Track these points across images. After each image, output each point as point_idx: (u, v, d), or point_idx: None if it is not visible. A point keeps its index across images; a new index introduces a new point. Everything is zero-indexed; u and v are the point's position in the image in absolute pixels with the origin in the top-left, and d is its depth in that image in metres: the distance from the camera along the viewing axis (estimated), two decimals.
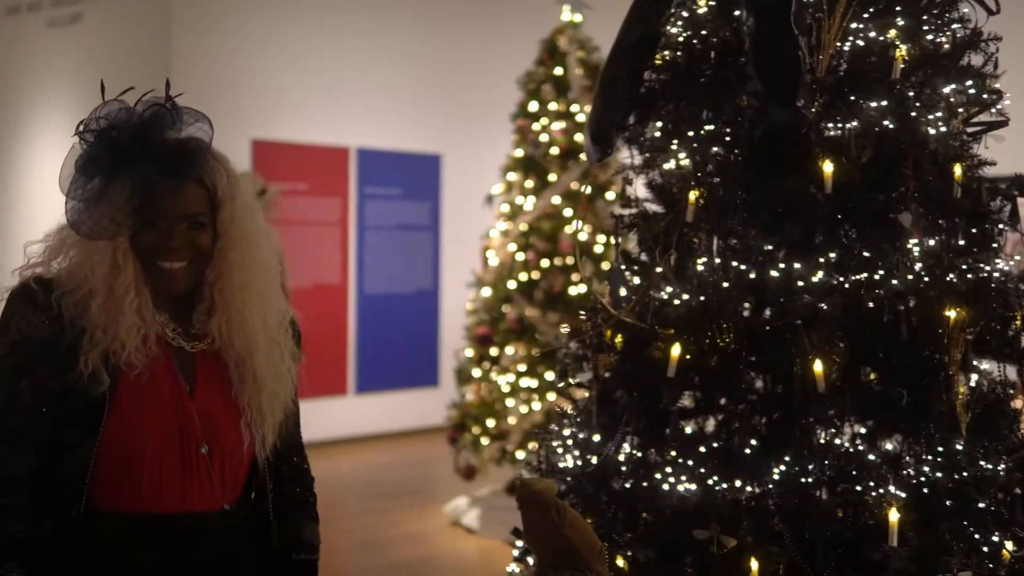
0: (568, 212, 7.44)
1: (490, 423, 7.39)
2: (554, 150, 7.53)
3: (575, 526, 2.47)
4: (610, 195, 7.24)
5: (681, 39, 3.13)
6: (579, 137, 7.49)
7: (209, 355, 2.25)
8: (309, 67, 9.76)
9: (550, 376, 7.21)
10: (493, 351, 7.48)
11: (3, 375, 2.12)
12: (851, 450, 2.82)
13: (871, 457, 2.80)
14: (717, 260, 2.92)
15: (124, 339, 2.12)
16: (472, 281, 7.75)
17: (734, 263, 2.91)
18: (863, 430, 2.88)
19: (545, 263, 7.40)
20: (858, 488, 2.76)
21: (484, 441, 7.43)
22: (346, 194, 10.16)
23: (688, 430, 3.02)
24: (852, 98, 2.96)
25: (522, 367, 7.34)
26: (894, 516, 2.70)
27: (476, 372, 7.53)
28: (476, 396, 7.51)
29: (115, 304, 2.12)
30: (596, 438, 3.05)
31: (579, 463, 3.07)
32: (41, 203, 10.20)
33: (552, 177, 7.50)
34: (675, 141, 3.08)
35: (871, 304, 2.86)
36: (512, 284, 7.44)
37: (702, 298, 2.91)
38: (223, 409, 2.24)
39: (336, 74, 9.96)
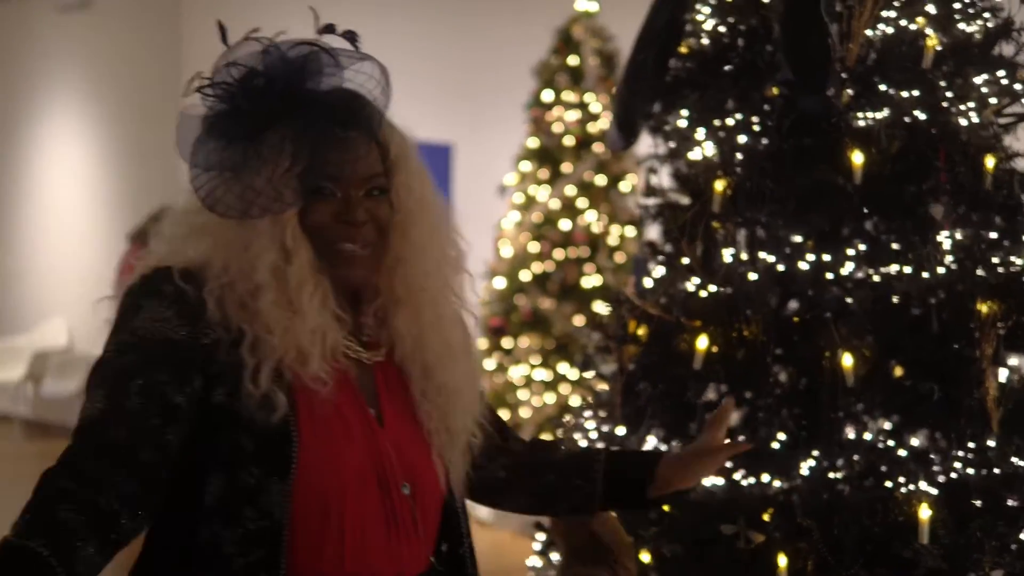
0: (583, 203, 7.40)
1: (503, 415, 7.35)
2: (568, 140, 7.48)
3: (604, 521, 2.43)
4: (624, 186, 7.20)
5: (708, 27, 3.08)
6: (593, 127, 7.45)
7: (387, 368, 1.73)
8: None
9: (564, 368, 7.18)
10: (506, 342, 7.44)
11: (105, 382, 1.54)
12: (880, 445, 2.78)
13: (901, 453, 2.76)
14: (744, 251, 2.88)
15: (307, 347, 1.58)
16: (485, 272, 7.71)
17: (761, 254, 2.86)
18: (892, 425, 2.84)
19: (559, 254, 7.36)
20: (888, 484, 2.72)
21: None
22: None
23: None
24: (882, 88, 2.91)
25: (536, 359, 7.30)
26: (925, 513, 2.65)
27: (489, 364, 7.49)
28: (489, 388, 7.47)
29: (289, 301, 1.59)
30: (620, 431, 3.01)
31: None
32: (50, 188, 10.18)
33: (566, 167, 7.45)
34: (701, 130, 3.03)
35: (901, 297, 2.82)
36: (526, 275, 7.40)
37: (729, 290, 2.87)
38: (413, 436, 1.72)
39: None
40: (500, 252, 7.59)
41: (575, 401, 6.21)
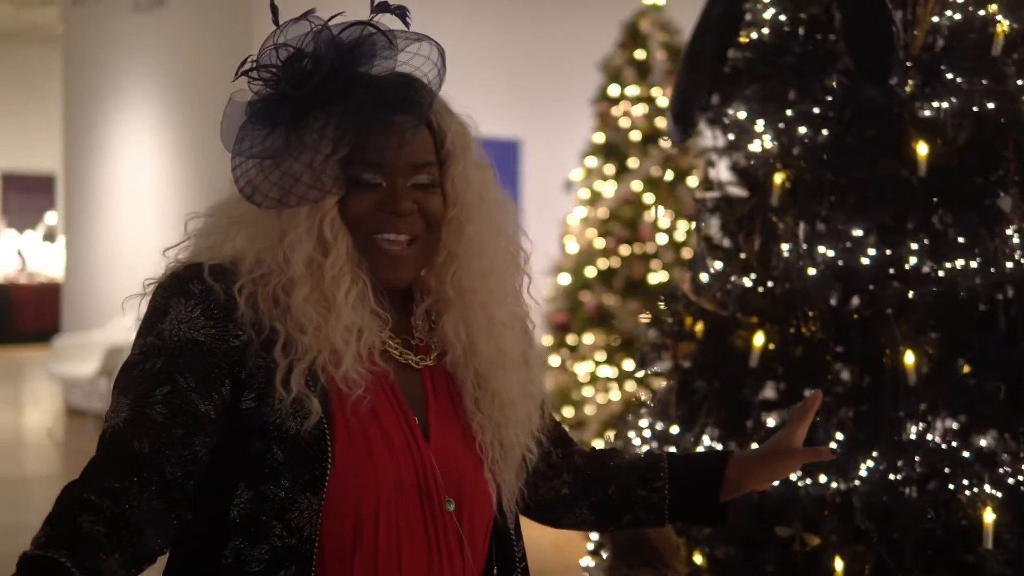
0: (649, 198, 7.32)
1: (567, 412, 7.31)
2: (635, 135, 7.40)
3: None
4: (692, 181, 7.10)
5: (768, 16, 3.00)
6: (659, 121, 7.36)
7: (437, 373, 1.60)
8: None
9: (629, 365, 7.10)
10: (571, 339, 7.39)
11: (129, 388, 1.43)
12: (943, 446, 2.68)
13: (965, 454, 2.66)
14: (803, 246, 2.80)
15: (340, 346, 1.46)
16: (550, 268, 7.66)
17: (821, 249, 2.78)
18: (956, 425, 2.74)
19: (625, 250, 7.29)
20: (950, 486, 2.63)
21: None
22: None
23: (771, 423, 2.90)
24: (949, 76, 2.81)
25: (600, 356, 7.24)
26: (989, 517, 2.56)
27: (554, 360, 7.44)
28: (553, 385, 7.42)
29: (323, 296, 1.47)
30: (675, 429, 2.94)
31: None
32: (124, 184, 10.32)
33: (632, 162, 7.38)
34: (760, 122, 2.95)
35: (967, 293, 2.72)
36: (591, 271, 7.34)
37: (787, 285, 2.79)
38: (463, 448, 1.58)
39: None
40: (565, 248, 7.53)
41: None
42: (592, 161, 7.57)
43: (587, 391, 7.27)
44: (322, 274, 1.47)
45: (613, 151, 7.43)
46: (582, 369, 7.29)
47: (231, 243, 1.50)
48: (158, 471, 1.37)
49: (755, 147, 2.97)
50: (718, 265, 2.99)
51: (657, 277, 7.16)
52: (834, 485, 2.68)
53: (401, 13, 1.54)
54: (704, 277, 2.96)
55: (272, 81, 1.48)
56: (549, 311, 7.56)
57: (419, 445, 1.52)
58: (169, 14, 9.94)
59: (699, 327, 2.96)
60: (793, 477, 2.71)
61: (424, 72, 1.53)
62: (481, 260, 1.56)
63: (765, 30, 3.00)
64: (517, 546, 1.64)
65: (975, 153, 2.79)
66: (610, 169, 7.44)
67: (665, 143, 7.33)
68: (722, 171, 3.11)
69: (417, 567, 1.49)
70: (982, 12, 2.84)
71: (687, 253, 7.11)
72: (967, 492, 2.61)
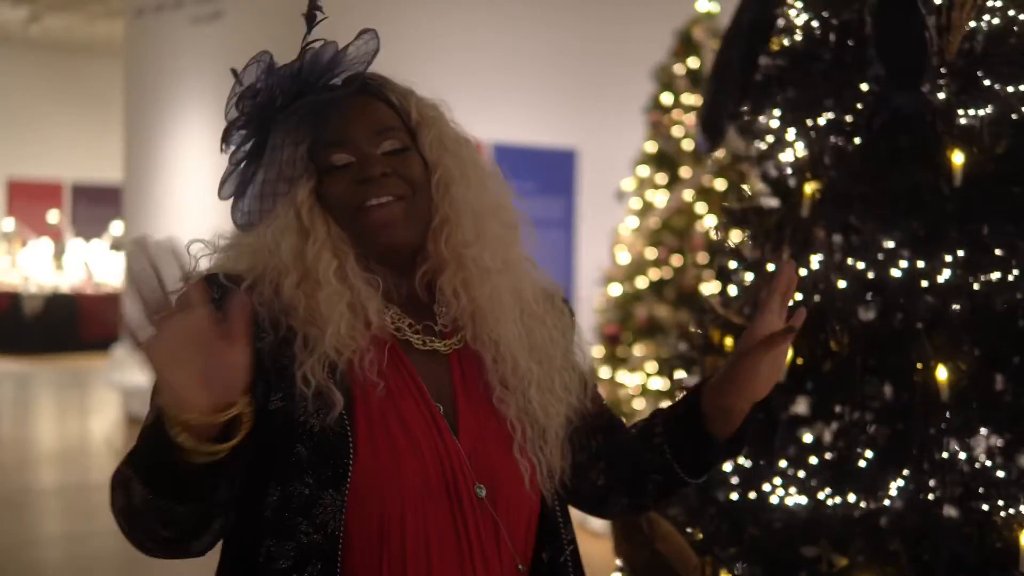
0: (701, 208, 7.22)
1: None
2: (687, 144, 7.31)
3: (668, 539, 2.32)
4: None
5: (800, 22, 2.92)
6: None
7: (466, 356, 1.61)
8: (444, 63, 9.73)
9: (680, 377, 7.00)
10: (621, 351, 7.31)
11: (158, 394, 1.41)
12: (977, 465, 2.59)
13: (1000, 474, 2.56)
14: (834, 257, 2.72)
15: (325, 311, 1.50)
16: (601, 278, 7.59)
17: (851, 261, 2.70)
18: (991, 444, 2.64)
19: (676, 260, 7.20)
20: (985, 507, 2.53)
21: None
22: None
23: (808, 438, 2.82)
24: (987, 83, 2.72)
25: (651, 367, 7.15)
26: None
27: (604, 372, 7.37)
28: (605, 396, 7.35)
29: (310, 278, 1.53)
30: None
31: None
32: (186, 200, 10.42)
33: (685, 172, 7.29)
34: (792, 130, 2.88)
35: (1003, 307, 2.62)
36: (642, 282, 7.26)
37: (817, 298, 2.72)
38: (493, 431, 1.58)
39: (471, 69, 9.91)
40: (617, 258, 7.46)
41: None
42: (644, 171, 7.50)
43: (637, 403, 7.19)
44: (306, 258, 1.54)
45: (665, 160, 7.35)
46: (632, 381, 7.21)
47: (238, 261, 1.57)
48: None
49: (786, 156, 2.90)
50: (747, 277, 2.92)
51: (709, 288, 7.05)
52: (863, 504, 2.59)
53: (312, 17, 1.60)
54: (732, 290, 2.89)
55: (238, 124, 1.58)
56: (600, 322, 7.49)
57: (445, 440, 1.52)
58: (226, 26, 10.03)
59: (728, 340, 2.89)
60: (821, 496, 2.63)
61: (365, 60, 1.63)
62: (469, 217, 1.60)
63: (797, 36, 2.93)
64: (565, 527, 1.62)
65: (1015, 162, 2.70)
66: (662, 179, 7.36)
67: (719, 152, 7.25)
68: (753, 180, 3.04)
69: (448, 558, 1.49)
70: (1022, 16, 2.75)
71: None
72: (1002, 513, 2.51)
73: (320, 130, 1.56)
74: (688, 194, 7.26)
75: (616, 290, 7.36)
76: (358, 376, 1.50)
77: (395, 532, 1.48)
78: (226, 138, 1.59)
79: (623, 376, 7.25)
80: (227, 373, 1.28)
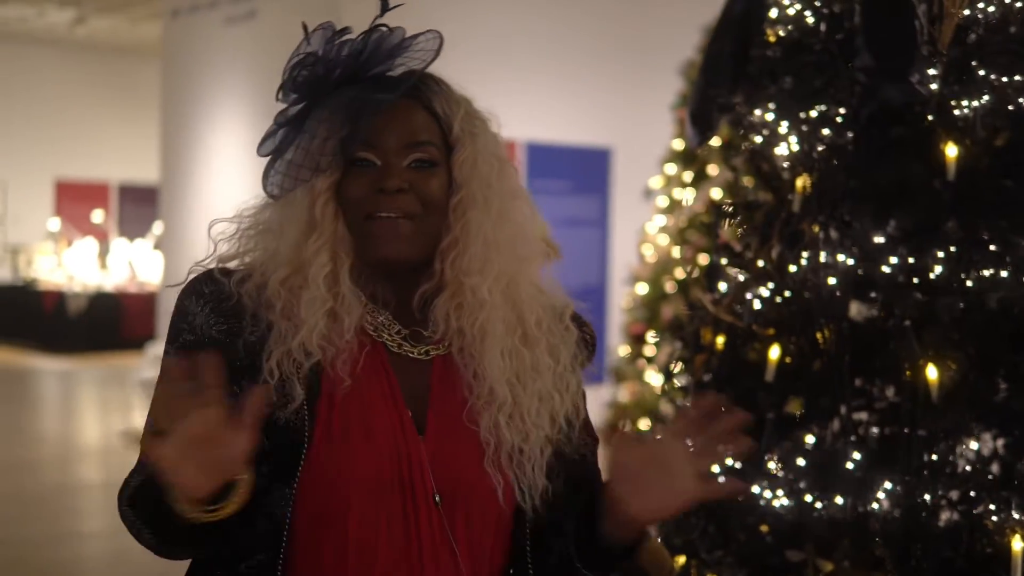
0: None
1: (643, 424, 7.16)
2: (714, 140, 7.22)
3: (646, 551, 2.26)
4: None
5: (792, 11, 2.85)
6: None
7: (450, 364, 1.59)
8: (479, 62, 9.71)
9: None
10: (649, 350, 7.24)
11: (157, 386, 1.49)
12: (969, 468, 2.51)
13: (991, 477, 2.48)
14: (823, 253, 2.65)
15: (303, 316, 1.50)
16: (628, 277, 7.53)
17: (841, 257, 2.63)
18: (977, 446, 2.55)
19: (703, 259, 7.11)
20: (975, 511, 2.45)
21: None
22: None
23: (794, 440, 2.75)
24: (982, 73, 2.63)
25: (678, 367, 7.06)
26: (1018, 545, 2.38)
27: (631, 371, 7.31)
28: (631, 395, 7.28)
29: (301, 276, 1.52)
30: None
31: None
32: (223, 198, 10.49)
33: (712, 169, 7.20)
34: (784, 123, 2.81)
35: (997, 304, 2.54)
36: (668, 281, 7.18)
37: (806, 295, 2.65)
38: (464, 444, 1.55)
39: (505, 68, 9.88)
40: (644, 257, 7.39)
41: None
42: (672, 168, 7.42)
43: (664, 403, 7.12)
44: (302, 253, 1.52)
45: (692, 158, 7.26)
46: (658, 380, 7.14)
47: (246, 244, 1.57)
48: None
49: (779, 150, 2.83)
50: (738, 274, 2.85)
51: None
52: (851, 507, 2.52)
53: (385, 1, 1.57)
54: (722, 286, 2.83)
55: (291, 87, 1.55)
56: (627, 321, 7.43)
57: (407, 438, 1.51)
58: (260, 26, 10.08)
59: (720, 339, 2.83)
60: (808, 498, 2.56)
61: (423, 60, 1.58)
62: (479, 245, 1.56)
63: (790, 27, 2.86)
64: (531, 545, 1.57)
65: (1010, 155, 2.61)
66: (689, 176, 7.28)
67: None
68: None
69: (394, 562, 1.48)
70: (1020, 4, 2.66)
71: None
72: (994, 518, 2.44)
73: (356, 126, 1.51)
74: (716, 192, 7.16)
75: (643, 289, 7.29)
76: (329, 373, 1.50)
77: (338, 525, 1.48)
78: (280, 93, 1.56)
79: (650, 375, 7.18)
80: (232, 459, 1.34)
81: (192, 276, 1.56)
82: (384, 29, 1.55)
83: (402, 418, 1.52)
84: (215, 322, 1.51)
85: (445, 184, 1.55)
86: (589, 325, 1.70)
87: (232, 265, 1.57)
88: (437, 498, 1.50)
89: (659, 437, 1.48)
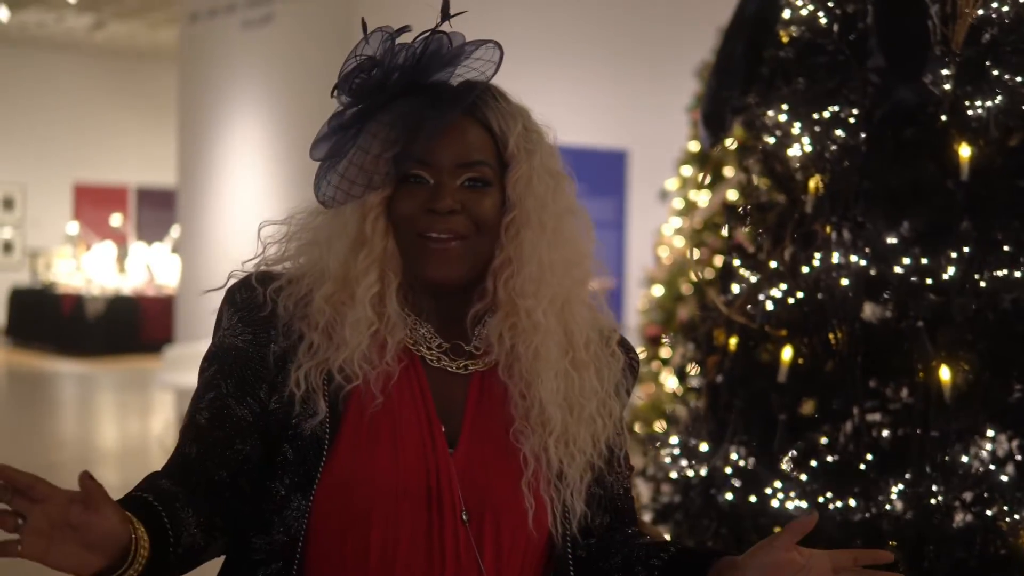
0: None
1: (659, 427, 7.15)
2: (730, 142, 7.20)
3: None
4: None
5: (805, 12, 2.85)
6: None
7: (490, 380, 1.56)
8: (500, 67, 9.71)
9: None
10: (664, 352, 7.23)
11: (194, 395, 1.53)
12: (983, 469, 2.50)
13: (1004, 478, 2.47)
14: (835, 254, 2.64)
15: (348, 337, 1.48)
16: (644, 279, 7.52)
17: (853, 258, 2.62)
18: (991, 447, 2.54)
19: (719, 261, 7.10)
20: (989, 512, 2.44)
21: None
22: None
23: (808, 441, 2.74)
24: (995, 73, 2.63)
25: (693, 370, 7.05)
26: None
27: (647, 372, 7.29)
28: (647, 398, 7.27)
29: (347, 292, 1.50)
30: (703, 447, 2.81)
31: (687, 473, 2.84)
32: (232, 198, 10.52)
33: (728, 171, 7.18)
34: (796, 124, 2.80)
35: (1011, 305, 2.53)
36: (684, 283, 7.17)
37: (819, 296, 2.64)
38: (499, 462, 1.52)
39: (521, 70, 9.88)
40: (660, 259, 7.39)
41: None
42: (687, 170, 7.41)
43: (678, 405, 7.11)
44: (350, 270, 1.50)
45: (708, 159, 7.25)
46: (674, 383, 7.12)
47: (292, 249, 1.56)
48: (205, 472, 1.44)
49: (792, 151, 2.83)
50: (751, 276, 2.85)
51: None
52: (866, 508, 2.51)
53: (446, 8, 1.53)
54: (735, 288, 2.82)
55: (346, 90, 1.51)
56: (642, 323, 7.42)
57: (437, 452, 1.49)
58: (276, 30, 10.11)
59: (732, 340, 2.82)
60: (820, 500, 2.55)
61: (483, 73, 1.55)
62: (533, 266, 1.52)
63: (802, 28, 2.86)
64: (574, 570, 1.55)
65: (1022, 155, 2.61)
66: (705, 178, 7.26)
67: None
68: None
69: (417, 574, 1.45)
70: None
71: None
72: (1007, 519, 2.42)
73: (411, 142, 1.49)
74: (732, 193, 7.15)
75: (659, 291, 7.29)
76: (361, 388, 1.48)
77: (359, 534, 1.46)
78: (335, 92, 1.53)
79: (665, 377, 7.17)
80: (104, 534, 1.24)
81: (231, 282, 1.55)
82: (443, 35, 1.51)
83: (433, 432, 1.50)
84: (241, 331, 1.51)
85: (498, 203, 1.53)
86: (635, 351, 1.68)
87: (277, 269, 1.55)
88: (465, 515, 1.48)
89: (818, 557, 1.42)
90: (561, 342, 1.55)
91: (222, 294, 1.55)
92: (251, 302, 1.51)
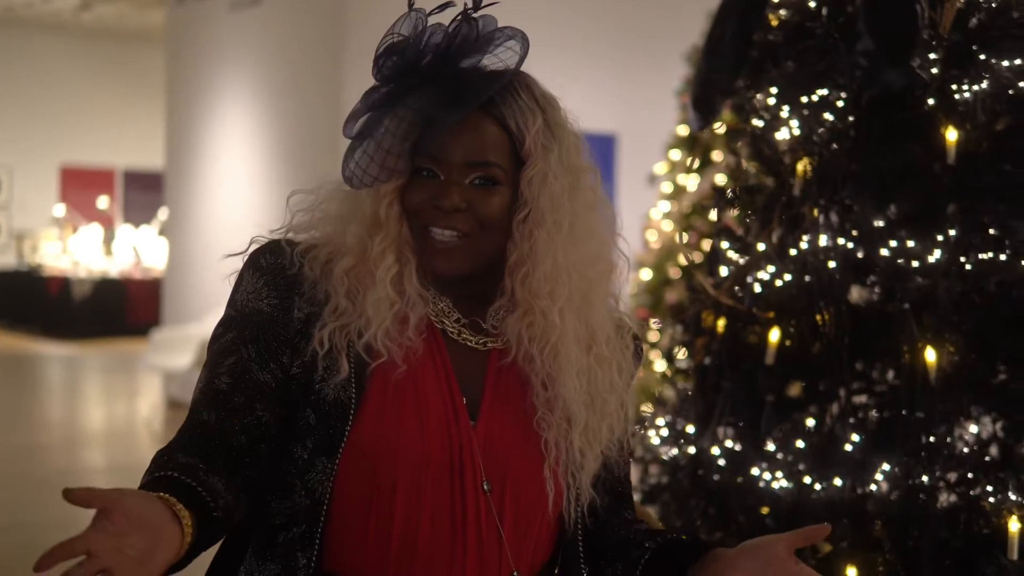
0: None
1: (647, 409, 7.17)
2: (719, 127, 7.22)
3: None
4: None
5: None
6: None
7: (507, 361, 1.57)
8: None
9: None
10: (653, 335, 7.25)
11: (208, 361, 1.53)
12: (967, 450, 2.52)
13: (988, 459, 2.50)
14: (823, 237, 2.66)
15: (370, 314, 1.50)
16: (633, 263, 7.54)
17: (840, 240, 2.64)
18: (977, 428, 2.57)
19: (707, 245, 7.13)
20: (972, 493, 2.47)
21: None
22: None
23: (794, 422, 2.77)
24: (983, 57, 2.64)
25: (682, 352, 7.08)
26: (1014, 526, 2.40)
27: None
28: (636, 380, 7.29)
29: (367, 270, 1.52)
30: (690, 429, 2.83)
31: (675, 454, 2.86)
32: (219, 179, 10.51)
33: (717, 155, 7.20)
34: (785, 107, 2.82)
35: (996, 288, 2.55)
36: (672, 267, 7.20)
37: (806, 278, 2.66)
38: (519, 439, 1.56)
39: None
40: (649, 242, 7.40)
41: None
42: (676, 154, 7.42)
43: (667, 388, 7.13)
44: (367, 252, 1.52)
45: (696, 143, 7.26)
46: (662, 366, 7.15)
47: (317, 219, 1.57)
48: (224, 438, 1.44)
49: (781, 134, 2.84)
50: (739, 258, 2.87)
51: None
52: (850, 488, 2.54)
53: (476, 21, 1.53)
54: (723, 271, 2.84)
55: (378, 69, 1.52)
56: (631, 307, 7.44)
57: (459, 424, 1.52)
58: (264, 13, 10.08)
59: (720, 323, 2.84)
60: (806, 480, 2.58)
61: (508, 64, 1.54)
62: (547, 265, 1.53)
63: (791, 11, 2.87)
64: (583, 550, 1.59)
65: (1011, 139, 2.62)
66: (694, 162, 7.27)
67: None
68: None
69: (438, 544, 1.49)
70: None
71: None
72: (991, 499, 2.45)
73: (427, 135, 1.50)
74: (720, 178, 7.17)
75: (647, 275, 7.31)
76: (386, 360, 1.51)
77: (384, 502, 1.48)
78: (375, 70, 1.53)
79: (653, 360, 7.19)
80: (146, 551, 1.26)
81: (255, 246, 1.56)
82: (474, 20, 1.51)
83: (455, 403, 1.53)
84: (267, 295, 1.51)
85: (507, 201, 1.53)
86: (640, 337, 1.70)
87: (301, 237, 1.57)
88: (486, 485, 1.51)
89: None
90: (583, 338, 1.56)
91: (243, 259, 1.55)
92: (277, 265, 1.52)
